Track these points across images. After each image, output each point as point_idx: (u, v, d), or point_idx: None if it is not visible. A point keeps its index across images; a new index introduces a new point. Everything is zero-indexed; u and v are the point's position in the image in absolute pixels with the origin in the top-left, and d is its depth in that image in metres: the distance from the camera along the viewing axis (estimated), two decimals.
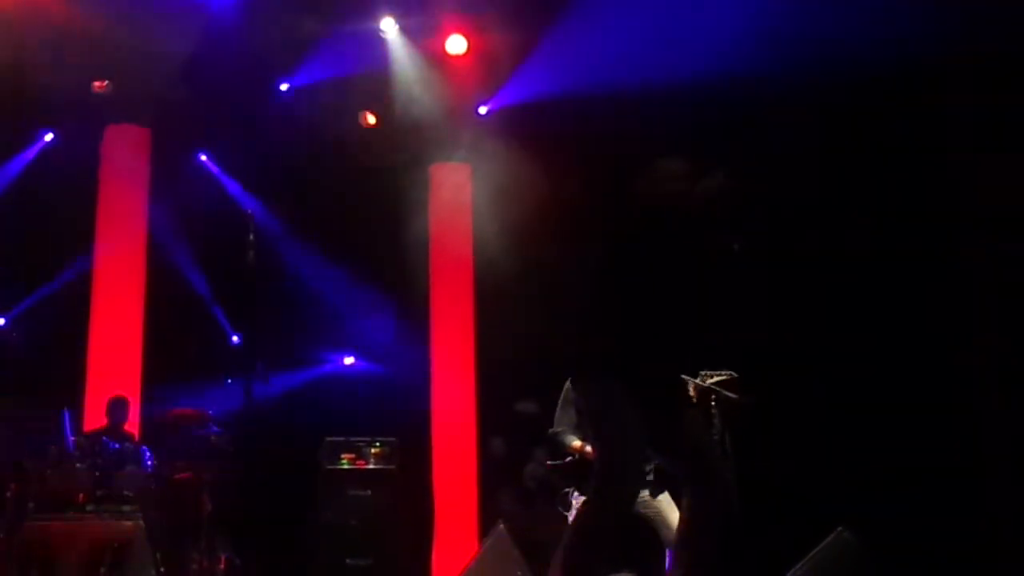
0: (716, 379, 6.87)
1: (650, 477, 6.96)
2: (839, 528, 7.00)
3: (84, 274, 10.34)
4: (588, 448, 6.96)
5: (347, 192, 10.46)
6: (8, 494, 8.58)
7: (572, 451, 7.05)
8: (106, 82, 10.19)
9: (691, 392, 6.88)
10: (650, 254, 5.02)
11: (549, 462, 7.21)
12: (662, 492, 6.94)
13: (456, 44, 10.34)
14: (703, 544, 4.99)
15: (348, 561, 8.77)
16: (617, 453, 4.90)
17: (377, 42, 10.35)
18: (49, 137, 10.76)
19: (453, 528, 10.03)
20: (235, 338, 10.47)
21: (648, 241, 5.06)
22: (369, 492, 9.06)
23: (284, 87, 10.61)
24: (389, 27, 10.29)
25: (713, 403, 6.73)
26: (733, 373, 6.88)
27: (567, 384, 7.29)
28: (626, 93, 9.22)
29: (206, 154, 11.18)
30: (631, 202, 5.28)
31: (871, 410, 8.46)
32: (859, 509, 7.62)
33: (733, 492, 5.13)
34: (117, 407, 9.26)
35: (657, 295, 4.98)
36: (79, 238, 10.33)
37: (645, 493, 6.94)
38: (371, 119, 10.84)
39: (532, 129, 10.06)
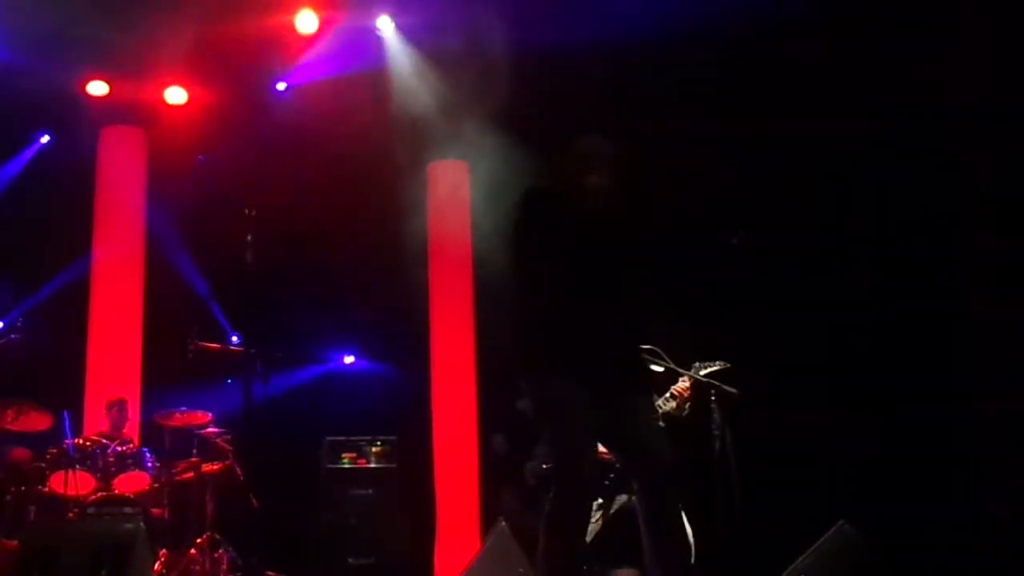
0: (710, 370, 6.90)
1: (612, 476, 6.99)
2: (841, 521, 6.99)
3: (82, 276, 10.33)
4: None
5: (345, 190, 10.45)
6: (8, 497, 8.59)
7: None
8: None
9: (687, 385, 6.91)
10: (570, 244, 4.93)
11: (545, 465, 7.22)
12: (621, 494, 6.96)
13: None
14: (668, 542, 4.98)
15: (350, 560, 8.78)
16: (572, 452, 4.84)
17: (373, 40, 10.34)
18: (45, 139, 10.76)
19: (455, 526, 10.02)
20: (234, 338, 10.45)
21: (569, 232, 4.96)
22: (370, 491, 9.06)
23: (281, 86, 10.60)
24: (385, 25, 10.28)
25: (713, 397, 6.74)
26: (726, 364, 6.89)
27: None
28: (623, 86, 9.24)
29: (203, 154, 11.15)
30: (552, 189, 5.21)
31: (872, 401, 8.45)
32: (861, 502, 7.62)
33: (673, 481, 5.01)
34: (116, 409, 9.26)
35: (583, 283, 4.90)
36: (77, 240, 10.32)
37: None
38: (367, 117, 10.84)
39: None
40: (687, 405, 6.91)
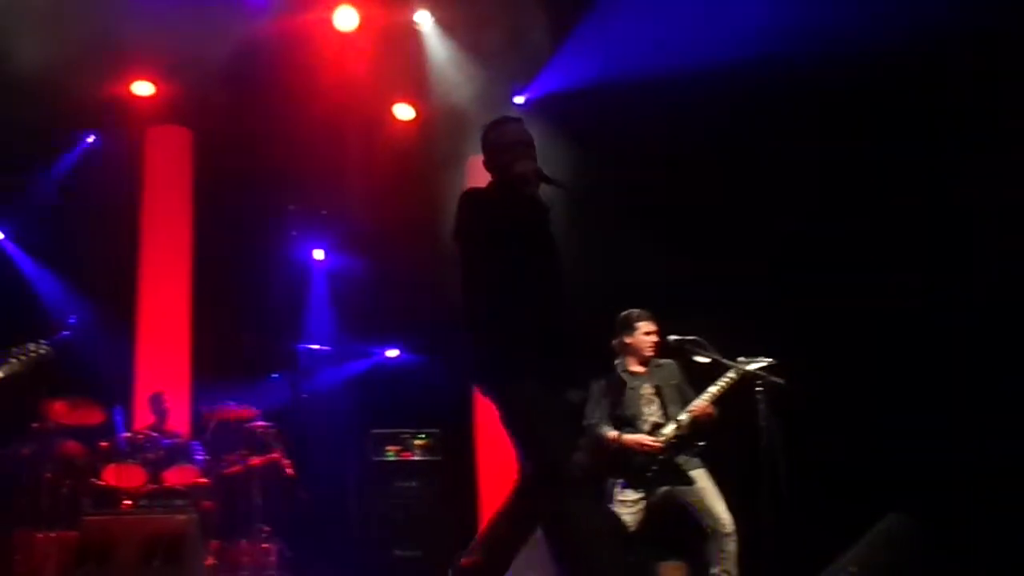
0: (755, 366, 6.88)
1: (689, 466, 7.00)
2: (891, 512, 6.97)
3: (131, 273, 10.45)
4: (626, 437, 7.00)
5: (386, 185, 10.51)
6: (63, 490, 8.75)
7: (608, 442, 7.08)
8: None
9: (733, 377, 6.91)
10: (518, 237, 4.92)
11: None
12: (700, 483, 6.97)
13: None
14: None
15: (396, 552, 8.84)
16: (559, 451, 4.81)
17: (412, 34, 10.39)
18: (92, 139, 10.89)
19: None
20: (281, 334, 10.57)
21: (513, 224, 4.95)
22: (415, 483, 9.12)
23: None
24: (424, 19, 10.33)
25: (758, 389, 6.74)
26: (772, 360, 6.88)
27: (599, 377, 7.31)
28: (659, 80, 9.23)
29: (247, 152, 11.26)
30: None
31: (923, 391, 8.41)
32: (911, 492, 7.59)
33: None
34: (157, 402, 9.42)
35: (536, 273, 4.91)
36: (125, 238, 10.45)
37: (696, 472, 6.98)
38: (407, 112, 10.91)
39: (569, 118, 10.09)
40: (695, 426, 6.94)
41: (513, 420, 4.88)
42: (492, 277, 4.90)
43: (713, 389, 6.97)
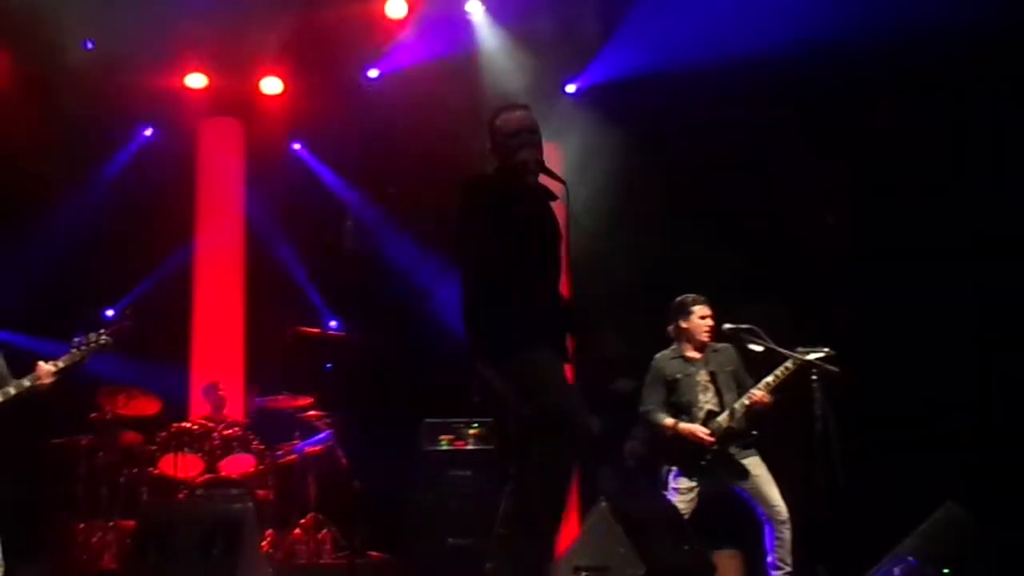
0: (814, 356, 6.83)
1: (744, 455, 6.97)
2: (948, 501, 6.90)
3: (186, 265, 10.55)
4: (682, 426, 6.99)
5: (437, 175, 10.51)
6: (122, 479, 8.86)
7: (665, 429, 7.07)
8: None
9: (790, 367, 6.87)
10: (516, 223, 4.90)
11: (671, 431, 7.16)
12: (755, 471, 6.94)
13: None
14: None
15: (450, 541, 8.84)
16: (573, 403, 4.91)
17: (463, 24, 10.39)
18: (148, 132, 10.99)
19: None
20: (333, 323, 10.61)
21: (512, 211, 4.94)
22: (469, 472, 9.11)
23: (373, 73, 10.71)
24: (475, 8, 10.33)
25: (814, 377, 6.69)
26: (830, 350, 6.82)
27: (654, 362, 7.30)
28: (712, 68, 9.18)
29: (300, 143, 11.33)
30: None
31: (981, 379, 8.32)
32: (968, 480, 7.52)
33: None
34: (211, 392, 9.50)
35: (533, 259, 4.89)
36: (180, 230, 10.54)
37: (750, 460, 6.96)
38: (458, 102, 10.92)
39: (619, 107, 10.06)
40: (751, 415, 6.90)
41: (524, 394, 4.85)
42: (483, 263, 4.90)
43: (769, 379, 6.94)
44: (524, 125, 5.09)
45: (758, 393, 6.88)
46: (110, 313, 10.45)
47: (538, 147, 5.07)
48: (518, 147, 5.02)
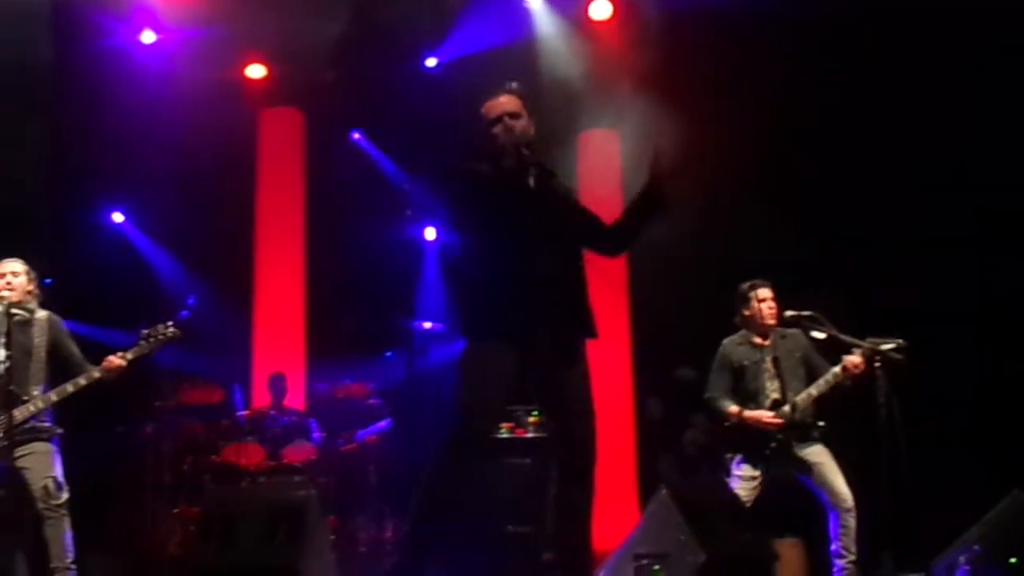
0: (885, 347, 6.73)
1: (808, 443, 6.92)
2: (1015, 489, 6.80)
3: (247, 255, 10.63)
4: (747, 413, 6.94)
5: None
6: (185, 467, 8.97)
7: (729, 416, 7.02)
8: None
9: (858, 359, 6.77)
10: (493, 209, 4.90)
11: (727, 422, 7.13)
12: (819, 459, 6.88)
13: (601, 9, 10.33)
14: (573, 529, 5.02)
15: (509, 528, 8.86)
16: (470, 415, 4.82)
17: (521, 11, 10.37)
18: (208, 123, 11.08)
19: (613, 495, 10.02)
20: (393, 312, 10.65)
21: (490, 196, 4.94)
22: (528, 460, 9.12)
23: (431, 62, 10.72)
24: None
25: (878, 365, 6.61)
26: (901, 341, 6.72)
27: (721, 348, 7.26)
28: (772, 54, 9.11)
29: (359, 132, 11.38)
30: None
31: None
32: None
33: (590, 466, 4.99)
34: (275, 382, 9.55)
35: (509, 247, 4.85)
36: (241, 220, 10.63)
37: (815, 448, 6.90)
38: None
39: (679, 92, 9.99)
40: (853, 378, 6.80)
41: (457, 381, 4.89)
42: (466, 244, 5.00)
43: (837, 369, 6.86)
44: (505, 110, 5.09)
45: (855, 360, 6.75)
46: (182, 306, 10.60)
47: (514, 130, 5.05)
48: (496, 133, 5.05)
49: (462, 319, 5.07)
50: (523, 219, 4.92)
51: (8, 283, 6.30)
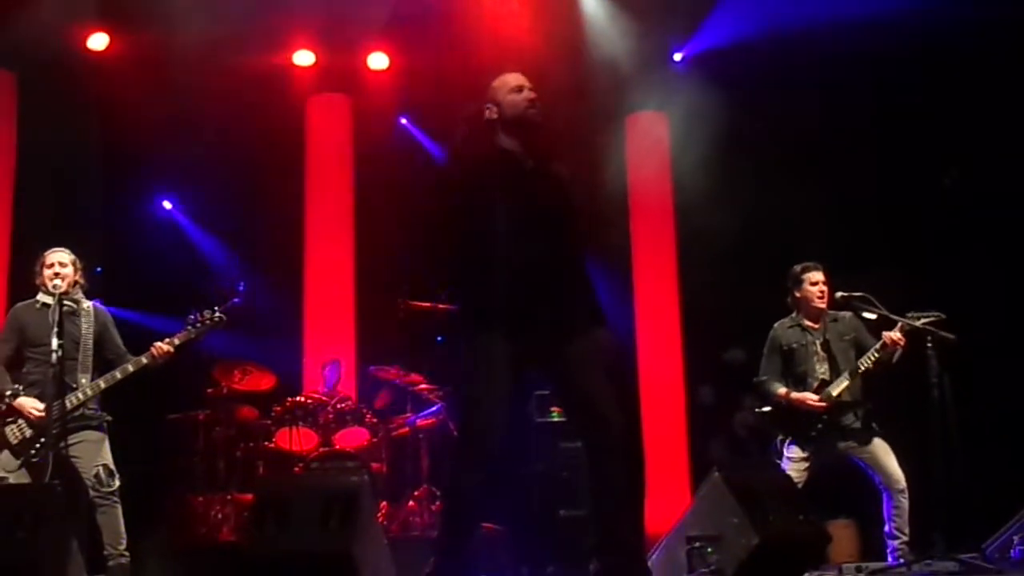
0: (924, 320, 6.70)
1: (857, 424, 6.88)
2: None
3: (297, 241, 10.67)
4: (794, 395, 6.92)
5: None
6: (238, 453, 9.04)
7: (778, 398, 7.01)
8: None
9: (899, 336, 6.73)
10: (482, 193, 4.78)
11: (757, 409, 7.19)
12: (870, 441, 6.84)
13: None
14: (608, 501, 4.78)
15: (562, 512, 8.87)
16: (476, 415, 4.72)
17: None
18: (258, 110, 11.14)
19: (665, 477, 10.02)
20: (441, 298, 10.66)
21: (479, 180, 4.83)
22: (579, 444, 9.12)
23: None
24: None
25: (929, 344, 6.56)
26: (941, 314, 6.68)
27: (772, 331, 7.23)
28: (818, 33, 9.01)
29: (406, 117, 11.39)
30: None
31: None
32: None
33: (620, 440, 4.81)
34: (331, 369, 9.58)
35: (501, 231, 4.71)
36: (290, 206, 10.66)
37: (868, 429, 6.87)
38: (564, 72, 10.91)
39: (728, 75, 9.92)
40: (898, 353, 6.75)
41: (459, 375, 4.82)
42: (460, 229, 4.85)
43: (876, 346, 6.83)
44: (522, 82, 5.02)
45: (894, 335, 6.72)
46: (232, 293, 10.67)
47: (537, 103, 5.00)
48: (520, 100, 4.97)
49: (459, 310, 4.94)
50: (524, 203, 4.80)
51: (56, 273, 6.37)
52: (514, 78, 5.04)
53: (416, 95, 10.93)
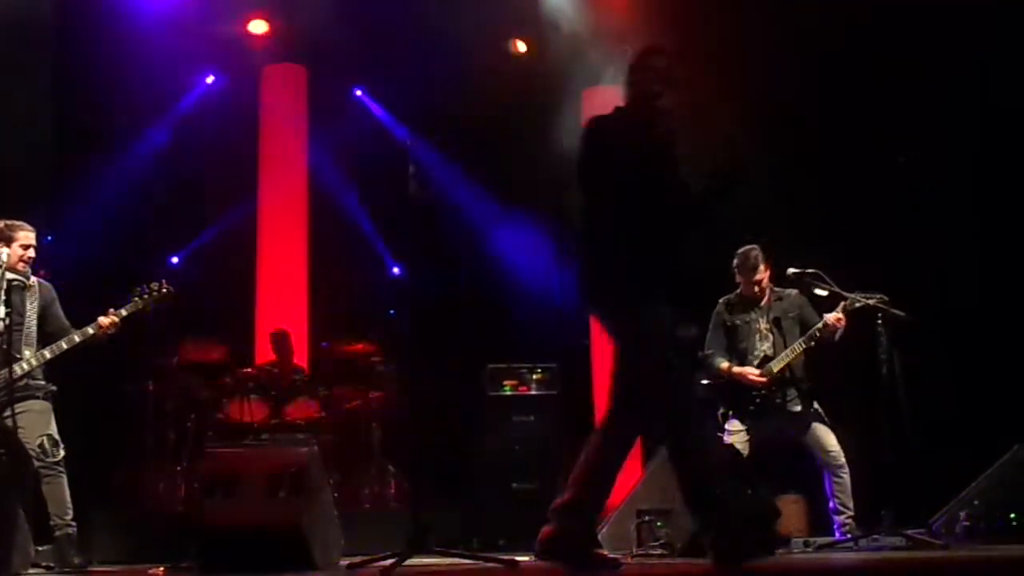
0: (862, 302, 6.75)
1: (797, 407, 6.95)
2: (1016, 445, 6.81)
3: (250, 212, 10.59)
4: (735, 369, 6.99)
5: (500, 119, 10.45)
6: (189, 424, 8.99)
7: (720, 372, 7.08)
8: None
9: (841, 314, 6.79)
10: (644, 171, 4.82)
11: (702, 383, 7.23)
12: (809, 426, 6.92)
13: None
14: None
15: (514, 485, 8.89)
16: (677, 376, 4.77)
17: None
18: (211, 80, 11.03)
19: None
20: (396, 269, 10.63)
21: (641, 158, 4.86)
22: (532, 417, 9.14)
23: None
24: None
25: (879, 321, 6.61)
26: (884, 296, 6.74)
27: (717, 307, 7.29)
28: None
29: (361, 89, 11.31)
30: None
31: None
32: None
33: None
34: (280, 340, 9.53)
35: (660, 208, 4.80)
36: (244, 177, 10.58)
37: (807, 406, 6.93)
38: (521, 46, 10.85)
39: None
40: (839, 332, 6.80)
41: (638, 349, 4.81)
42: (622, 209, 4.82)
43: (820, 325, 6.87)
44: (667, 72, 5.04)
45: (835, 316, 6.78)
46: (175, 260, 10.58)
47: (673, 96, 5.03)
48: (658, 94, 5.01)
49: (622, 284, 4.82)
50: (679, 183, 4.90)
51: (31, 257, 6.31)
52: (668, 66, 5.04)
53: (372, 66, 10.85)
